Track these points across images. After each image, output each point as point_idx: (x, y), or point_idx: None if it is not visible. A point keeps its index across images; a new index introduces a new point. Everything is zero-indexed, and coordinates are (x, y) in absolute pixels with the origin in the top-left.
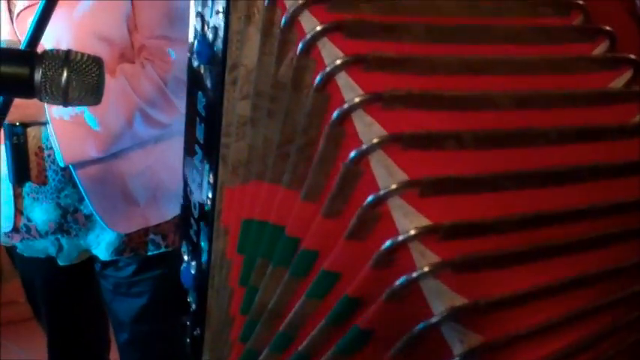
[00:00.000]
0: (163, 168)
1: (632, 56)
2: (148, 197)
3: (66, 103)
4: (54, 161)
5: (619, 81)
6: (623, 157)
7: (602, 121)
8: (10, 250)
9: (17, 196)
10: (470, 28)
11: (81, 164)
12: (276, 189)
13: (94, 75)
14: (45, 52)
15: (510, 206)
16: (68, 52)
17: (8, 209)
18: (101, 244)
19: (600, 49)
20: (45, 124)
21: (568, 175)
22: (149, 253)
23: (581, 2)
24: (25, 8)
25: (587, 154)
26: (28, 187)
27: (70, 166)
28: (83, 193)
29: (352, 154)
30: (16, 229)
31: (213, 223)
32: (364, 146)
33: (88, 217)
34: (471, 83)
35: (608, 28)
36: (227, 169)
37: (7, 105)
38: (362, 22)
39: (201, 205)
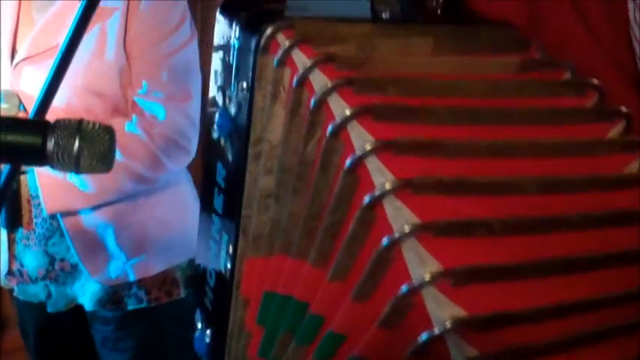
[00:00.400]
0: (153, 222)
1: None
2: (134, 250)
3: (77, 171)
4: (42, 209)
5: (636, 162)
6: None
7: (625, 205)
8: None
9: (11, 241)
10: (491, 110)
11: (68, 213)
12: (302, 265)
13: (105, 144)
14: (57, 121)
15: (539, 295)
16: (80, 121)
17: (3, 253)
18: (86, 293)
19: (617, 129)
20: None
21: (592, 261)
22: (130, 307)
23: (596, 82)
24: (23, 59)
25: (611, 240)
26: (20, 232)
27: (58, 215)
28: (69, 242)
29: (384, 241)
30: (11, 273)
31: (231, 293)
32: (396, 234)
33: (74, 266)
34: (497, 167)
35: (623, 109)
36: (248, 241)
37: (15, 172)
38: (389, 106)
39: (219, 274)
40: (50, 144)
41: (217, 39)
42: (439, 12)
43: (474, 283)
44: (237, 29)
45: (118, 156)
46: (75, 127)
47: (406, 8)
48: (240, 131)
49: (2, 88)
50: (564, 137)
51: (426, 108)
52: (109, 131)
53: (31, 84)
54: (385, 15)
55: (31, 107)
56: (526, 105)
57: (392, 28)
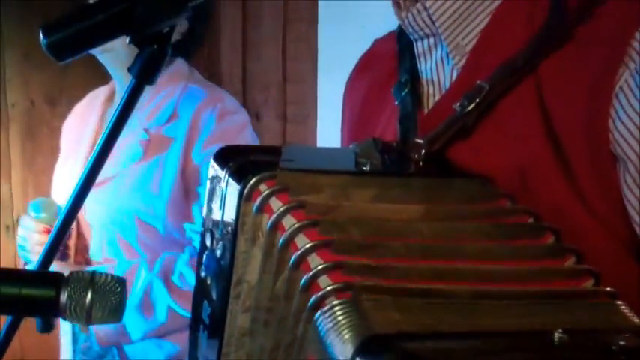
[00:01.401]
0: None
1: (593, 268)
2: None
3: (88, 322)
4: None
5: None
6: None
7: None
8: None
9: None
10: (445, 246)
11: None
12: None
13: (116, 295)
14: (71, 273)
15: None
16: (93, 273)
17: None
18: None
19: (569, 262)
20: None
21: None
22: None
23: (552, 226)
24: (63, 165)
25: None
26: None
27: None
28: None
29: None
30: None
31: None
32: None
33: None
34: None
35: (574, 246)
36: None
37: (17, 324)
38: (347, 241)
39: None
40: (64, 297)
41: (209, 184)
42: (421, 164)
43: None
44: (227, 177)
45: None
46: (88, 279)
47: (388, 161)
48: (224, 272)
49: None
50: (517, 266)
51: (383, 243)
52: (122, 283)
53: (88, 209)
54: (366, 168)
55: (89, 233)
56: (482, 243)
57: (368, 179)
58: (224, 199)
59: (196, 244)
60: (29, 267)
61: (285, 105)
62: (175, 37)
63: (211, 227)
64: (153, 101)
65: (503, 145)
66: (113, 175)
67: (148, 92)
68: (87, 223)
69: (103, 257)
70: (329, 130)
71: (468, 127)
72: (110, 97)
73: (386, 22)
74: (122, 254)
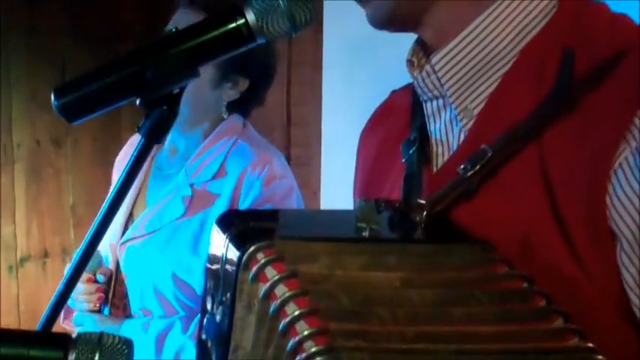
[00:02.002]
0: None
1: (577, 327)
2: None
3: None
4: None
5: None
6: None
7: None
8: None
9: None
10: (433, 312)
11: None
12: None
13: (123, 357)
14: (79, 335)
15: None
16: (101, 335)
17: None
18: None
19: (557, 323)
20: None
21: None
22: None
23: (542, 290)
24: (129, 239)
25: None
26: None
27: None
28: None
29: None
30: None
31: None
32: None
33: None
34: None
35: (561, 309)
36: None
37: None
38: (335, 308)
39: None
40: (71, 358)
41: (211, 248)
42: (423, 226)
43: None
44: (227, 242)
45: None
46: (96, 341)
47: (389, 223)
48: (223, 337)
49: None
50: (502, 328)
51: (370, 310)
52: (129, 344)
53: (128, 261)
54: (365, 233)
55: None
56: (470, 309)
57: (364, 246)
58: (224, 264)
59: None
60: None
61: (290, 147)
62: (234, 95)
63: (213, 292)
64: (201, 156)
65: (505, 209)
66: (154, 230)
67: (198, 146)
68: (122, 274)
69: (140, 308)
70: (333, 172)
71: (471, 190)
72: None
73: (389, 67)
74: (159, 307)
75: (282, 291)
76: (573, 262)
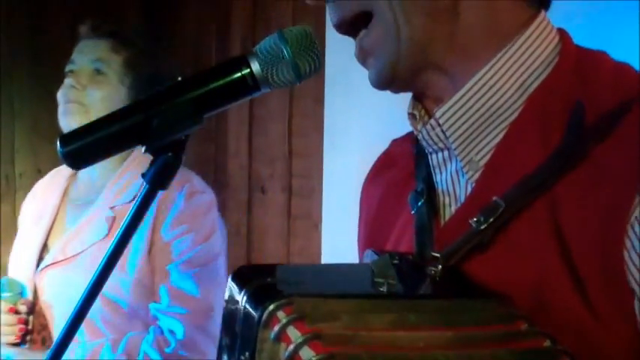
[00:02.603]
0: None
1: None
2: None
3: None
4: None
5: None
6: None
7: None
8: None
9: None
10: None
11: None
12: None
13: None
14: None
15: None
16: None
17: None
18: None
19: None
20: None
21: None
22: None
23: (567, 350)
24: (49, 265)
25: None
26: None
27: None
28: None
29: None
30: None
31: None
32: None
33: None
34: None
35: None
36: None
37: None
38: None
39: None
40: None
41: (227, 303)
42: (438, 279)
43: None
44: (245, 299)
45: None
46: None
47: (404, 278)
48: None
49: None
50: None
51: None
52: None
53: (52, 287)
54: (383, 288)
55: (50, 312)
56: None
57: (385, 303)
58: (242, 322)
59: (161, 323)
60: None
61: (291, 178)
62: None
63: (229, 349)
64: (120, 180)
65: (517, 262)
66: (77, 253)
67: (115, 173)
68: (45, 302)
69: None
70: (334, 204)
71: (484, 243)
72: (74, 173)
73: (390, 100)
74: (86, 332)
75: (307, 355)
76: (588, 313)
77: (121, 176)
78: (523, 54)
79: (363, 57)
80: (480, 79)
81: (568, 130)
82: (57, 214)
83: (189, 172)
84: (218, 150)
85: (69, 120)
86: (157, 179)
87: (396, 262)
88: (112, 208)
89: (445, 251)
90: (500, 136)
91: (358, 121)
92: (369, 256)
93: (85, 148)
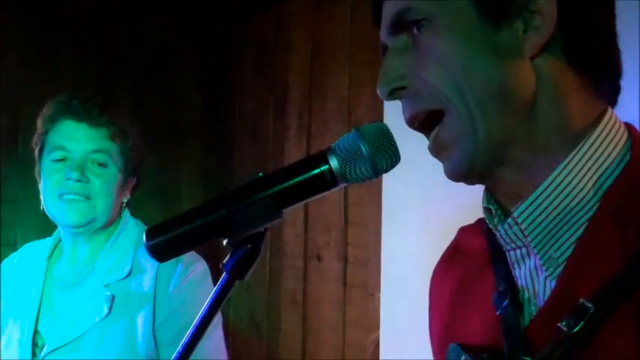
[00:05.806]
0: None
1: None
2: None
3: None
4: None
5: None
6: None
7: None
8: None
9: None
10: None
11: None
12: None
13: None
14: None
15: None
16: None
17: None
18: None
19: None
20: None
21: None
22: None
23: None
24: (51, 351)
25: None
26: None
27: None
28: None
29: None
30: None
31: None
32: None
33: None
34: None
35: None
36: None
37: None
38: None
39: None
40: None
41: None
42: None
43: None
44: None
45: None
46: None
47: None
48: None
49: None
50: None
51: None
52: None
53: None
54: None
55: None
56: None
57: None
58: None
59: None
60: None
61: (347, 246)
62: (129, 193)
63: None
64: (109, 257)
65: None
66: (78, 336)
67: (102, 248)
68: None
69: None
70: (394, 274)
71: (576, 346)
72: (57, 254)
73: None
74: None
75: None
76: None
77: (109, 253)
78: (596, 151)
79: (438, 150)
80: (556, 178)
81: None
82: (40, 301)
83: None
84: None
85: (75, 215)
86: (237, 270)
87: None
88: (106, 286)
89: (537, 356)
90: (579, 233)
91: (416, 192)
92: (455, 351)
93: (170, 243)
